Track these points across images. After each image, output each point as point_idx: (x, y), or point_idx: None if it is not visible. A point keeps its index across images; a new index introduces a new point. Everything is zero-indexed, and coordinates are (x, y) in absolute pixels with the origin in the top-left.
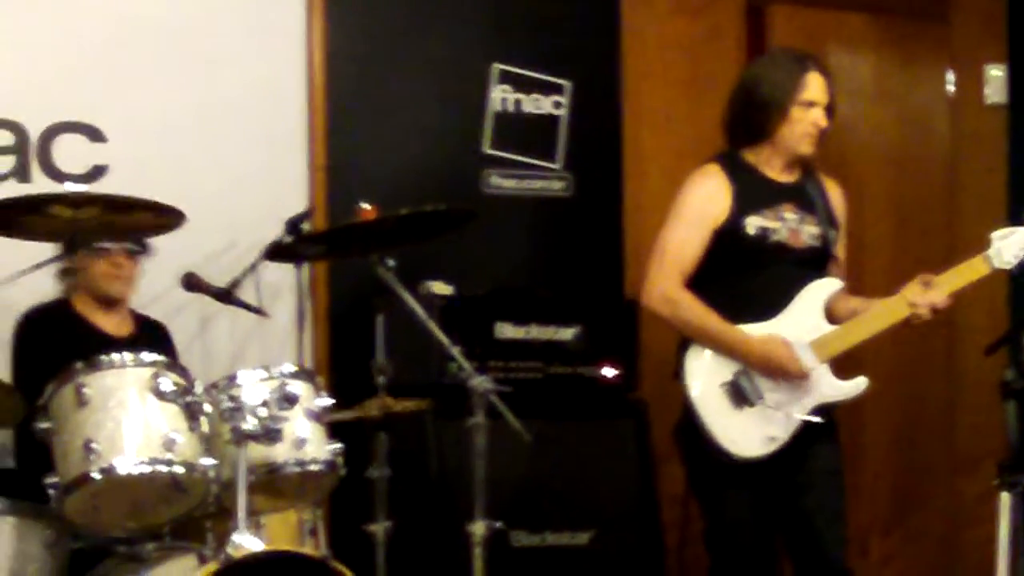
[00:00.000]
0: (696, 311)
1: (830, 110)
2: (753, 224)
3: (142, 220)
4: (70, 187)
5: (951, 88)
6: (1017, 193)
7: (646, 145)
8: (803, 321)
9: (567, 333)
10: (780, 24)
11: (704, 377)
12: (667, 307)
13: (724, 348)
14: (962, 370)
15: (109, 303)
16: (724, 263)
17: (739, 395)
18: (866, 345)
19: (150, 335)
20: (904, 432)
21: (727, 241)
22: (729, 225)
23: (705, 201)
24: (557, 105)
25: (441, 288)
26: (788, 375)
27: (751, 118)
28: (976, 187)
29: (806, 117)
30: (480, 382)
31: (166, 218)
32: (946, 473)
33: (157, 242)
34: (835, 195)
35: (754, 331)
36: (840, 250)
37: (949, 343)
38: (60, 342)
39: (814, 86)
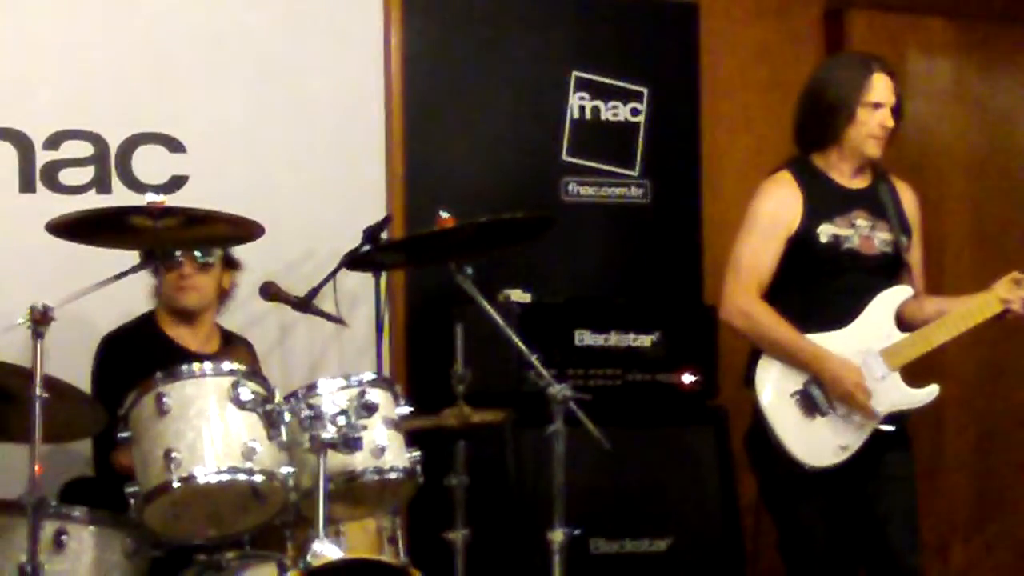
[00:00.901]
0: (773, 325)
1: (897, 111)
2: (826, 232)
3: (219, 231)
4: (150, 198)
5: None
6: None
7: (724, 151)
8: (874, 330)
9: (646, 340)
10: (859, 28)
11: (775, 385)
12: (744, 321)
13: (799, 362)
14: None
15: (185, 316)
16: (797, 271)
17: (810, 404)
18: (947, 350)
19: (233, 351)
20: (985, 438)
21: (800, 249)
22: (802, 233)
23: (777, 210)
24: (635, 112)
25: (520, 296)
26: (854, 404)
27: (819, 121)
28: None
29: (872, 119)
30: (559, 390)
31: (244, 229)
32: None
33: (236, 252)
34: (908, 199)
35: (826, 340)
36: (916, 254)
37: None
38: (142, 360)
39: (880, 87)
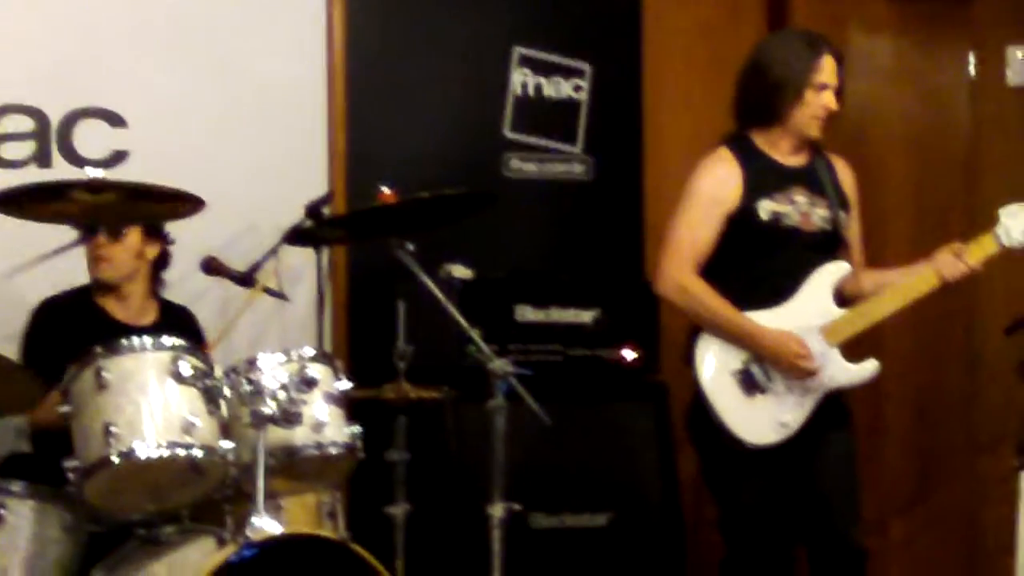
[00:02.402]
0: (709, 300)
1: (840, 93)
2: (766, 209)
3: (160, 207)
4: (90, 172)
5: (972, 70)
6: None
7: (666, 128)
8: (813, 306)
9: (587, 316)
10: (800, 7)
11: (715, 364)
12: (680, 295)
13: (736, 338)
14: (981, 351)
15: (110, 288)
16: (735, 249)
17: (750, 382)
18: (885, 326)
19: (174, 323)
20: (924, 414)
21: (739, 227)
22: (741, 210)
23: (716, 187)
24: (577, 89)
25: (461, 271)
26: (797, 372)
27: (763, 100)
28: (997, 169)
29: (818, 100)
30: (500, 365)
31: (185, 205)
32: (966, 454)
33: (178, 227)
34: (844, 175)
35: (764, 318)
36: (854, 230)
37: (968, 324)
38: (74, 329)
39: (828, 68)
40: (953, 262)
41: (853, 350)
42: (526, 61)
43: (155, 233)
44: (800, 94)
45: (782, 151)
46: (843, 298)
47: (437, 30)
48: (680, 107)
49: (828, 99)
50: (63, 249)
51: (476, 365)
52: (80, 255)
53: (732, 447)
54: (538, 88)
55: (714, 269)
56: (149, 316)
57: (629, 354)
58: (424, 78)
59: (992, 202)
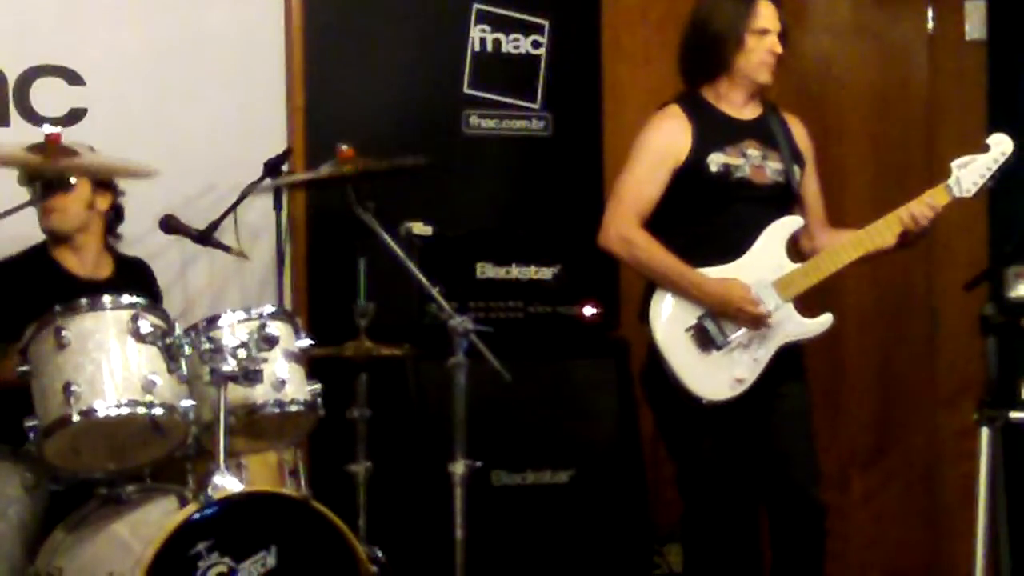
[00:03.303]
0: (652, 251)
1: (784, 37)
2: (716, 161)
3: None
4: (47, 129)
5: (931, 24)
6: (996, 129)
7: (625, 84)
8: (766, 261)
9: (547, 273)
10: None
11: (669, 320)
12: (623, 247)
13: (681, 289)
14: (942, 305)
15: (62, 240)
16: (686, 203)
17: (705, 338)
18: (846, 281)
19: (130, 276)
20: (884, 368)
21: (690, 180)
22: (691, 164)
23: (665, 141)
24: (536, 44)
25: (421, 229)
26: (746, 317)
27: (706, 53)
28: (955, 123)
29: (761, 45)
30: (460, 322)
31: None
32: (926, 409)
33: (136, 185)
34: (798, 130)
35: (717, 273)
36: (810, 186)
37: (928, 278)
38: (32, 288)
39: (765, 13)
40: (915, 205)
41: (813, 304)
42: (484, 16)
43: (105, 184)
44: (741, 41)
45: (733, 104)
46: (801, 255)
47: None
48: (639, 63)
49: (771, 43)
50: (17, 208)
51: (437, 322)
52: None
53: (687, 403)
54: (496, 44)
55: (666, 226)
56: (105, 270)
57: (589, 310)
58: (382, 34)
59: (951, 156)
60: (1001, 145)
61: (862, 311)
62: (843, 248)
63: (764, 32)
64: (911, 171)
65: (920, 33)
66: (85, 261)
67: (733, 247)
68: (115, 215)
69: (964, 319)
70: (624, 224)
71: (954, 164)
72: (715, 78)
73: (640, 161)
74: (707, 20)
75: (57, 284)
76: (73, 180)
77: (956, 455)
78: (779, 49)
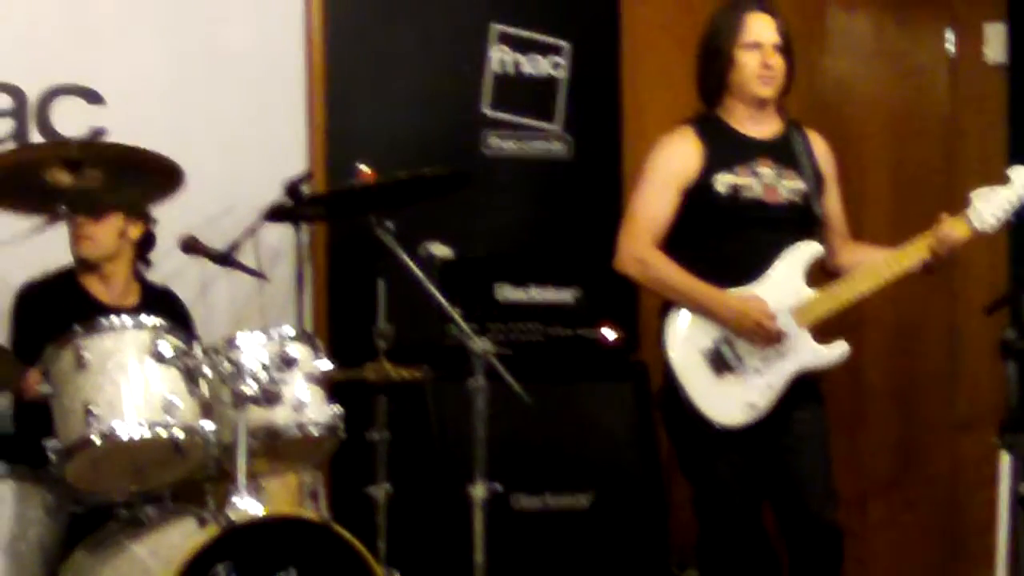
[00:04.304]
0: (667, 270)
1: (784, 50)
2: (723, 182)
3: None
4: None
5: (951, 47)
6: (1016, 153)
7: (645, 106)
8: (783, 286)
9: (567, 295)
10: None
11: (684, 344)
12: (638, 268)
13: (698, 305)
14: (962, 330)
15: (92, 268)
16: (698, 225)
17: (719, 362)
18: (866, 306)
19: (156, 305)
20: (904, 393)
21: (699, 201)
22: (699, 184)
23: (674, 161)
24: (556, 66)
25: (440, 250)
26: (763, 333)
27: (707, 72)
28: (975, 146)
29: (752, 59)
30: (480, 344)
31: (165, 178)
32: (946, 433)
33: (155, 205)
34: (821, 149)
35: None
36: (833, 205)
37: (949, 303)
38: (58, 312)
39: (755, 27)
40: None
41: (833, 327)
42: (504, 38)
43: (138, 213)
44: (731, 57)
45: (746, 122)
46: (826, 271)
47: (416, 7)
48: (659, 84)
49: (764, 56)
50: (42, 228)
51: (456, 344)
52: (62, 235)
53: (702, 428)
54: (516, 65)
55: (682, 250)
56: (132, 298)
57: (609, 334)
58: (403, 55)
59: (971, 179)
60: (1022, 178)
61: (882, 334)
62: (862, 277)
63: (755, 46)
64: (930, 193)
65: (940, 56)
66: (112, 289)
67: (750, 272)
68: (146, 243)
69: (984, 343)
70: (638, 245)
71: (973, 195)
72: (721, 97)
73: (650, 182)
74: (705, 39)
75: (83, 311)
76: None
77: (976, 480)
78: (773, 61)
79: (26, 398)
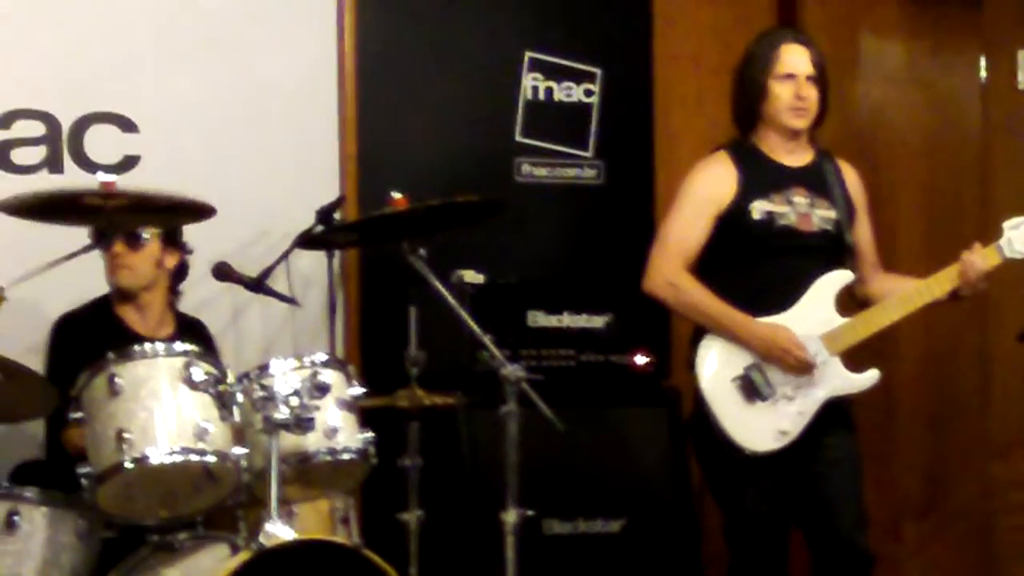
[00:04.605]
0: (698, 295)
1: (818, 81)
2: (759, 208)
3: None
4: (101, 177)
5: (983, 74)
6: None
7: (677, 132)
8: (814, 314)
9: (599, 321)
10: (811, 9)
11: (715, 370)
12: (670, 291)
13: (727, 332)
14: (994, 356)
15: (129, 297)
16: (731, 252)
17: (750, 389)
18: (898, 332)
19: (190, 336)
20: (937, 418)
21: (733, 227)
22: (734, 210)
23: (709, 187)
24: (588, 93)
25: (473, 277)
26: (792, 361)
27: (741, 100)
28: (1008, 173)
29: (785, 91)
30: (512, 371)
31: (195, 211)
32: (979, 460)
33: (189, 232)
34: (851, 179)
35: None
36: (863, 234)
37: (981, 329)
38: (93, 342)
39: (788, 58)
40: (966, 266)
41: (866, 353)
42: (537, 65)
43: (174, 242)
44: (764, 88)
45: (779, 151)
46: (857, 302)
47: (448, 35)
48: (691, 111)
49: (797, 87)
50: (78, 253)
51: (488, 371)
52: (96, 263)
53: (732, 454)
54: (549, 92)
55: (713, 276)
56: (166, 329)
57: (641, 359)
58: (435, 82)
59: (1004, 206)
60: None
61: (914, 361)
62: (892, 305)
63: (789, 77)
64: (963, 221)
65: (973, 82)
66: (148, 320)
67: (781, 299)
68: (180, 273)
69: (1017, 369)
70: (669, 268)
71: (1006, 225)
72: (756, 126)
73: (684, 206)
74: (740, 67)
75: (118, 343)
76: (146, 235)
77: (1009, 506)
78: (806, 93)
79: (69, 450)
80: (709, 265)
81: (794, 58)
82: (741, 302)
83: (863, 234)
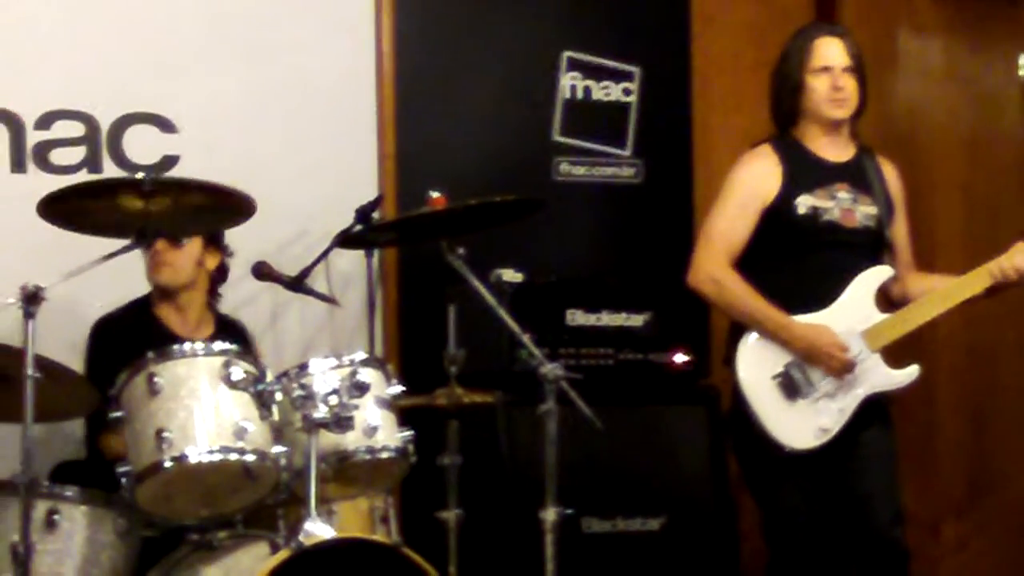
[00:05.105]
0: (742, 293)
1: (855, 71)
2: (804, 203)
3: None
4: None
5: (1022, 71)
6: None
7: (716, 131)
8: (855, 310)
9: (638, 319)
10: (849, 7)
11: (755, 367)
12: (713, 287)
13: (769, 332)
14: None
15: (169, 296)
16: (775, 246)
17: (791, 387)
18: (939, 329)
19: (229, 338)
20: (978, 415)
21: (777, 221)
22: (779, 204)
23: (755, 181)
24: (627, 92)
25: (512, 275)
26: (833, 363)
27: (780, 98)
28: None
29: (821, 84)
30: (551, 369)
31: (233, 203)
32: (1020, 456)
33: (228, 231)
34: (890, 176)
35: (805, 321)
36: (900, 231)
37: (1021, 325)
38: (133, 343)
39: (822, 51)
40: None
41: (905, 351)
42: (575, 64)
43: (215, 243)
44: (800, 83)
45: (822, 146)
46: (890, 301)
47: (486, 34)
48: (729, 109)
49: (834, 79)
50: (118, 252)
51: (527, 369)
52: (136, 264)
53: (771, 452)
54: (587, 91)
55: (756, 270)
56: (206, 330)
57: (680, 358)
58: (473, 82)
59: None
60: None
61: (956, 356)
62: (931, 301)
63: (825, 70)
64: (1003, 218)
65: (1012, 79)
66: (187, 320)
67: (823, 295)
68: (219, 275)
69: None
70: (714, 264)
71: None
72: (796, 121)
73: (729, 200)
74: (778, 66)
75: (157, 343)
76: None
77: None
78: (843, 84)
79: (107, 456)
80: (752, 259)
81: (829, 50)
82: (783, 296)
83: (900, 232)
